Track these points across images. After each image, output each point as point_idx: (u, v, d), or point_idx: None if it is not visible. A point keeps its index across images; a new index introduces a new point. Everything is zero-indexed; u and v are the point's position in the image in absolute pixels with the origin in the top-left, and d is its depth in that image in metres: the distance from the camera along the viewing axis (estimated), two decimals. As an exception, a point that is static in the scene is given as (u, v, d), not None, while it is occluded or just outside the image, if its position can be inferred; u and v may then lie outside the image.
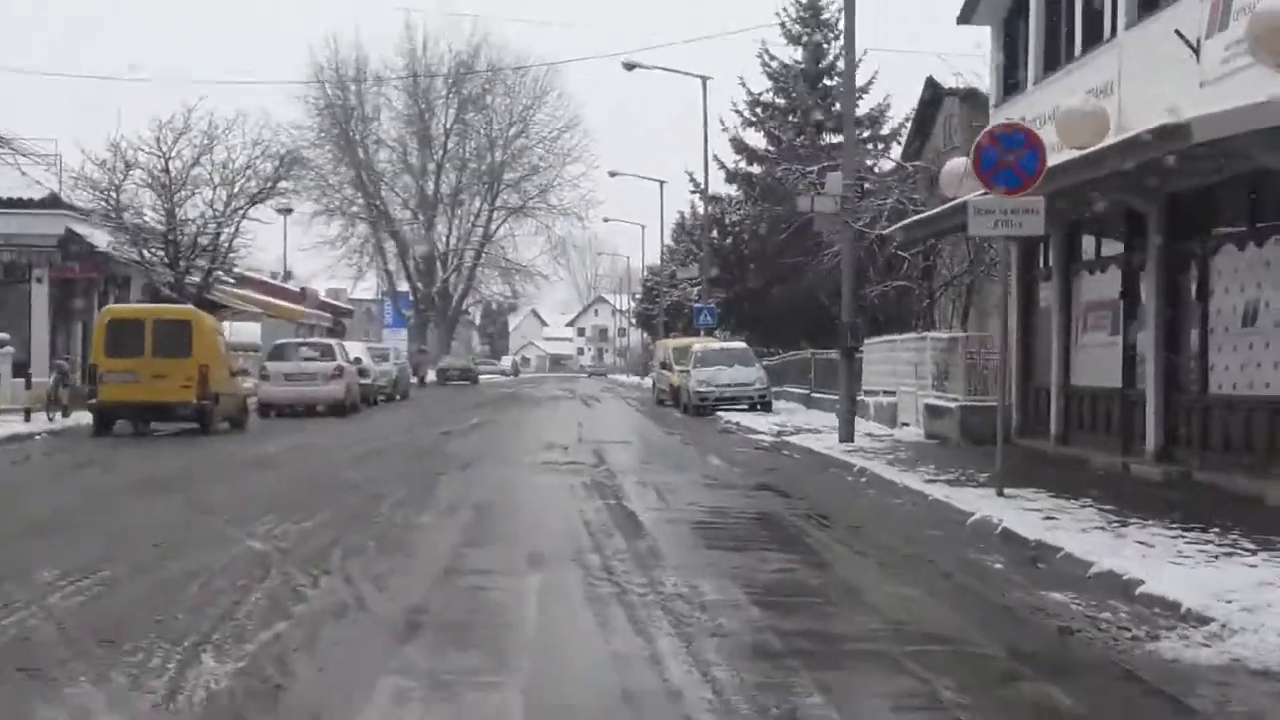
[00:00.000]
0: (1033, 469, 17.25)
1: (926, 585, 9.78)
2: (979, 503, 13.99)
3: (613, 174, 72.51)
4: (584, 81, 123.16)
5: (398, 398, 44.02)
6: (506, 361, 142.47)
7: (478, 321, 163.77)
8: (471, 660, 7.16)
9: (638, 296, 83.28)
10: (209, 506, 13.71)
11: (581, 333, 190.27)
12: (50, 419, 28.30)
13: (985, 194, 14.55)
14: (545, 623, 8.13)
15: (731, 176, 52.25)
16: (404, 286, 78.04)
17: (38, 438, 25.27)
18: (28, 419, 27.52)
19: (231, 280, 40.54)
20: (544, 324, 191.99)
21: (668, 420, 35.19)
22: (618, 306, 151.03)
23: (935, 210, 21.67)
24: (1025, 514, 13.01)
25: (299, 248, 72.10)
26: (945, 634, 8.04)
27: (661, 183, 72.45)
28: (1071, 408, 20.53)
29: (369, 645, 7.35)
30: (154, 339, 26.10)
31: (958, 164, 21.84)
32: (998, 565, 10.77)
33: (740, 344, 40.28)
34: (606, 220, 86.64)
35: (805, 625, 8.27)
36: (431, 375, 72.61)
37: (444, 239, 78.67)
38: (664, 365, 44.43)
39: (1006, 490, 14.59)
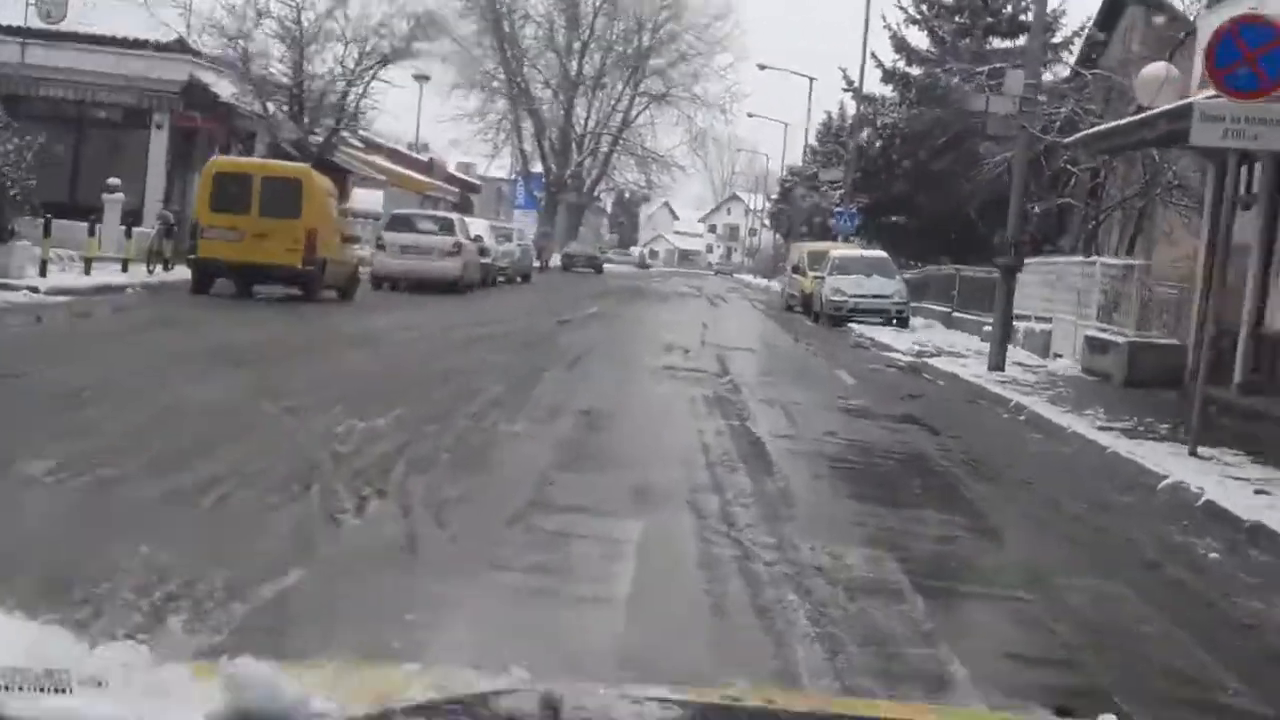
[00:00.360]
0: (1218, 422, 14.85)
1: (1132, 578, 7.63)
2: (1170, 463, 11.71)
3: (762, 67, 69.61)
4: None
5: (518, 280, 42.27)
6: (635, 252, 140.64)
7: (609, 210, 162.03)
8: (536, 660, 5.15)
9: (773, 197, 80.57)
10: (274, 388, 11.86)
11: (712, 229, 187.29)
12: (150, 271, 26.87)
13: (1215, 96, 12.10)
14: (639, 601, 6.04)
15: (888, 76, 49.34)
16: (538, 168, 75.94)
17: (130, 290, 23.79)
18: (125, 269, 26.09)
19: (358, 144, 38.77)
20: (675, 218, 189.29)
21: (797, 328, 33.00)
22: (751, 206, 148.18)
23: (1130, 119, 19.08)
24: (1230, 484, 10.76)
25: (436, 119, 70.25)
26: (1182, 667, 5.89)
27: (811, 79, 69.77)
28: (1262, 354, 18.02)
29: (397, 620, 5.30)
30: (261, 196, 24.35)
31: (1158, 69, 19.26)
32: (1213, 554, 8.56)
33: (880, 253, 37.80)
34: (750, 116, 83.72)
35: (993, 638, 6.18)
36: (556, 260, 70.94)
37: (582, 121, 76.46)
38: (796, 269, 42.13)
39: (1200, 449, 12.30)
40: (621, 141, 76.92)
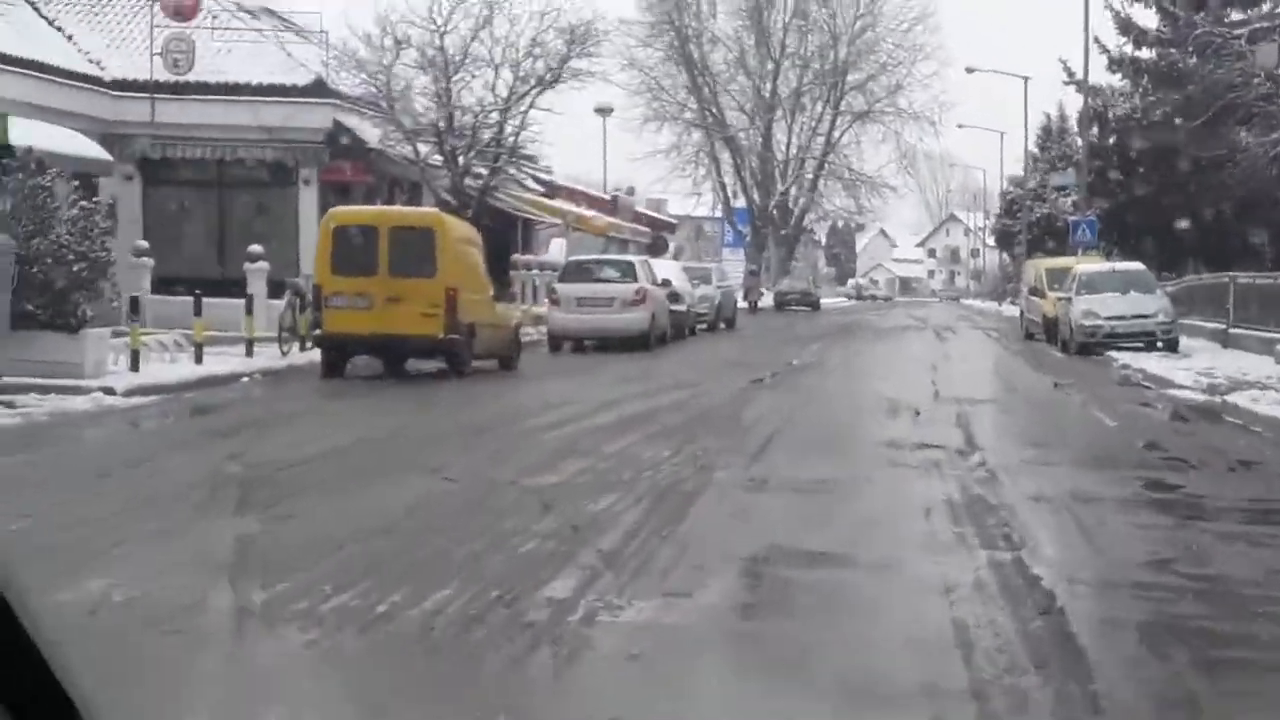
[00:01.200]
0: None
1: None
2: None
3: (970, 70, 64.17)
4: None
5: (721, 326, 37.76)
6: (851, 284, 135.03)
7: (824, 241, 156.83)
8: None
9: (995, 212, 74.61)
10: (295, 545, 7.44)
11: (932, 253, 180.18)
12: (284, 352, 23.08)
13: None
14: None
15: (1115, 63, 43.46)
16: (741, 203, 71.43)
17: (246, 380, 19.88)
18: (250, 352, 22.27)
19: (536, 186, 34.59)
20: (893, 244, 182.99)
21: (1044, 361, 27.71)
22: (971, 225, 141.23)
23: None
24: None
25: (629, 157, 66.34)
26: None
27: (1025, 79, 63.87)
28: None
29: None
30: (390, 252, 20.25)
31: None
32: None
33: (1136, 265, 32.10)
34: (961, 127, 78.04)
35: None
36: (769, 299, 66.19)
37: (783, 147, 71.76)
38: (1034, 291, 36.64)
39: None
40: (827, 165, 71.90)
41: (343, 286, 20.15)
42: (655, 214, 44.17)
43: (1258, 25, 36.08)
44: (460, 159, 27.96)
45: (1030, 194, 63.08)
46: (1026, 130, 63.78)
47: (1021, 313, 39.68)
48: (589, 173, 46.84)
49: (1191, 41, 40.04)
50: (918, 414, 15.68)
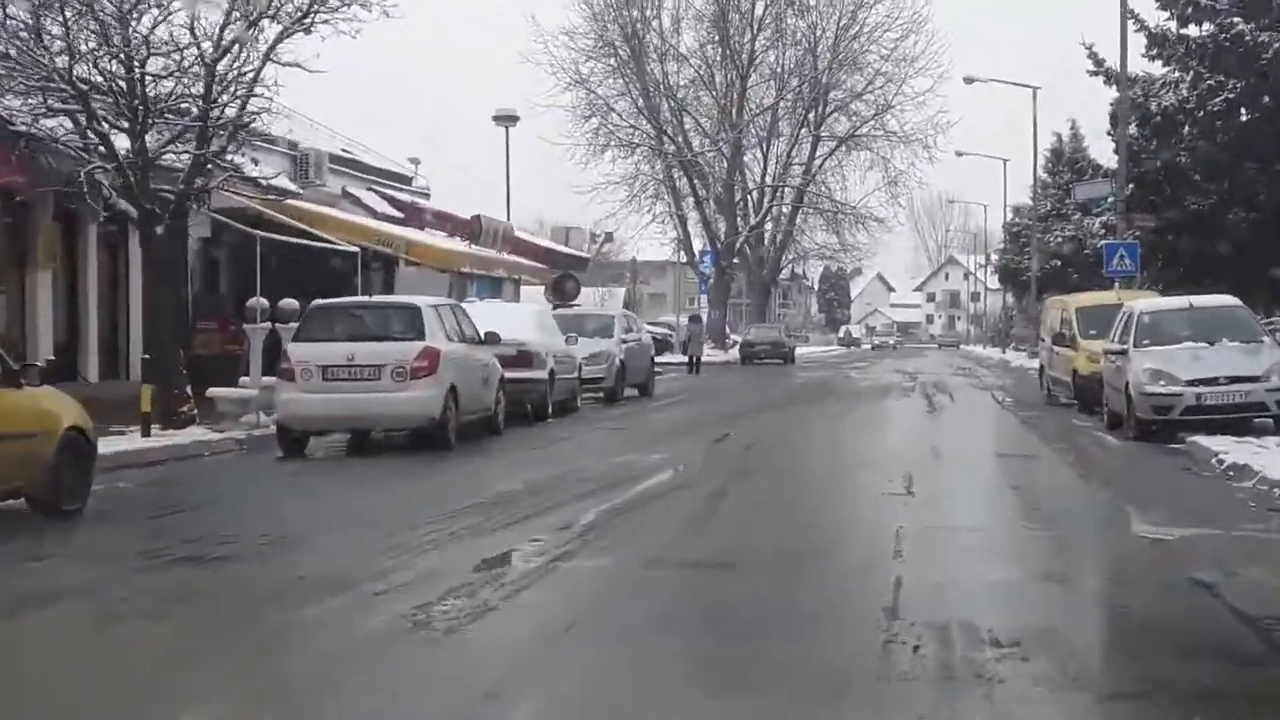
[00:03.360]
0: None
1: None
2: None
3: (969, 80, 53.14)
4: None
5: (631, 393, 26.62)
6: (843, 331, 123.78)
7: (815, 286, 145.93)
8: None
9: (1000, 246, 63.47)
10: None
11: (931, 298, 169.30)
12: None
13: None
14: None
15: (1157, 42, 32.41)
16: (701, 242, 60.27)
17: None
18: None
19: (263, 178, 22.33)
20: (890, 288, 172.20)
21: (1089, 455, 16.77)
22: (970, 267, 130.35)
23: None
24: None
25: (574, 189, 55.13)
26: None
27: (1034, 89, 52.95)
28: None
29: None
30: None
31: None
32: None
33: (1227, 300, 20.72)
34: (960, 155, 66.97)
35: None
36: (728, 353, 55.04)
37: (755, 177, 60.73)
38: (1060, 339, 25.60)
39: None
40: (806, 196, 60.70)
41: None
42: (561, 247, 33.11)
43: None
44: (147, 138, 16.72)
45: (1041, 222, 52.13)
46: (1036, 146, 52.88)
47: (1041, 368, 28.44)
48: (545, 211, 35.58)
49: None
50: (891, 625, 4.67)
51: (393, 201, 29.85)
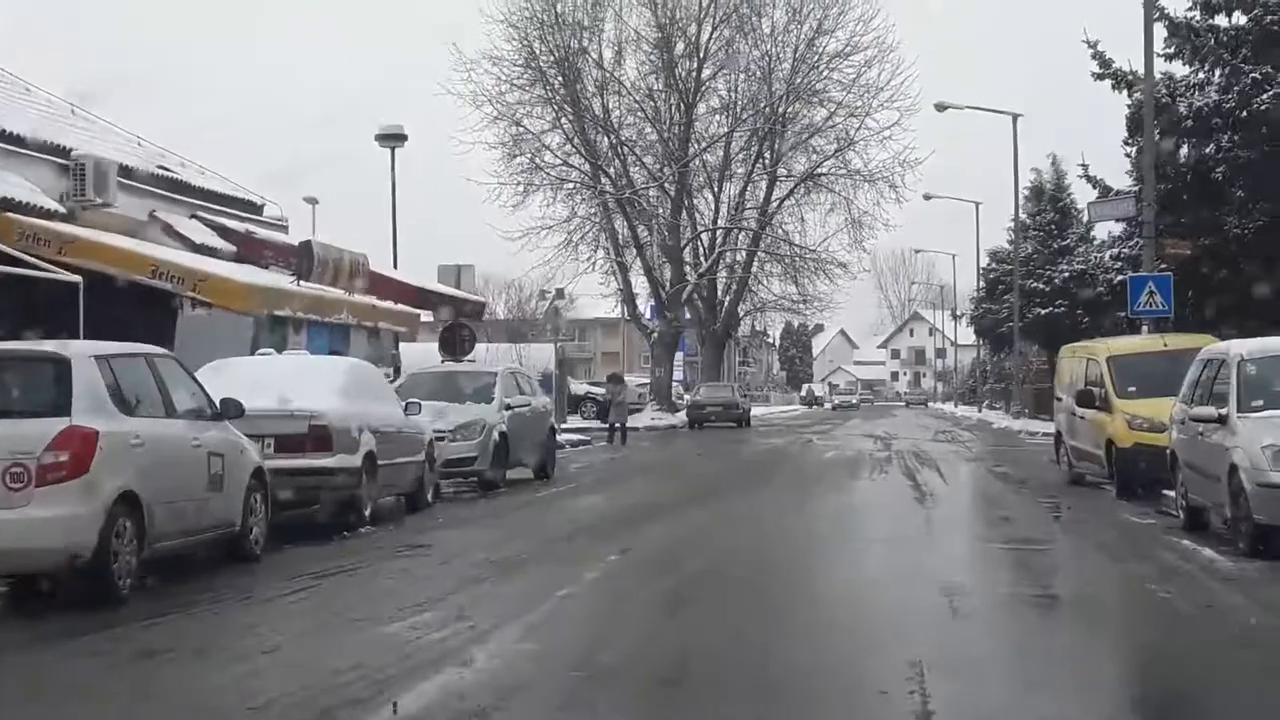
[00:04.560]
0: None
1: None
2: None
3: (941, 107, 46.66)
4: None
5: (504, 480, 19.46)
6: (806, 389, 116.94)
7: (776, 343, 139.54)
8: None
9: (975, 294, 56.70)
10: None
11: (895, 355, 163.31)
12: None
13: None
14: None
15: (1178, 34, 25.83)
16: (642, 291, 53.27)
17: None
18: None
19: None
20: (853, 345, 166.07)
21: (1194, 583, 9.92)
22: (936, 324, 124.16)
23: None
24: None
25: (503, 235, 47.93)
26: None
27: (1015, 116, 46.61)
28: None
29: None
30: None
31: None
32: None
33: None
34: (929, 198, 60.39)
35: None
36: (668, 417, 48.13)
37: (706, 219, 53.79)
38: (1087, 399, 18.79)
39: None
40: (762, 238, 53.84)
41: None
42: (448, 289, 25.84)
43: None
44: None
45: (1023, 265, 45.51)
46: (1017, 179, 46.51)
47: (1058, 436, 21.43)
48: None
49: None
50: None
51: (222, 231, 22.83)
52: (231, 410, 11.43)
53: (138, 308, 17.83)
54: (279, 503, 13.01)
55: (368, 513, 14.24)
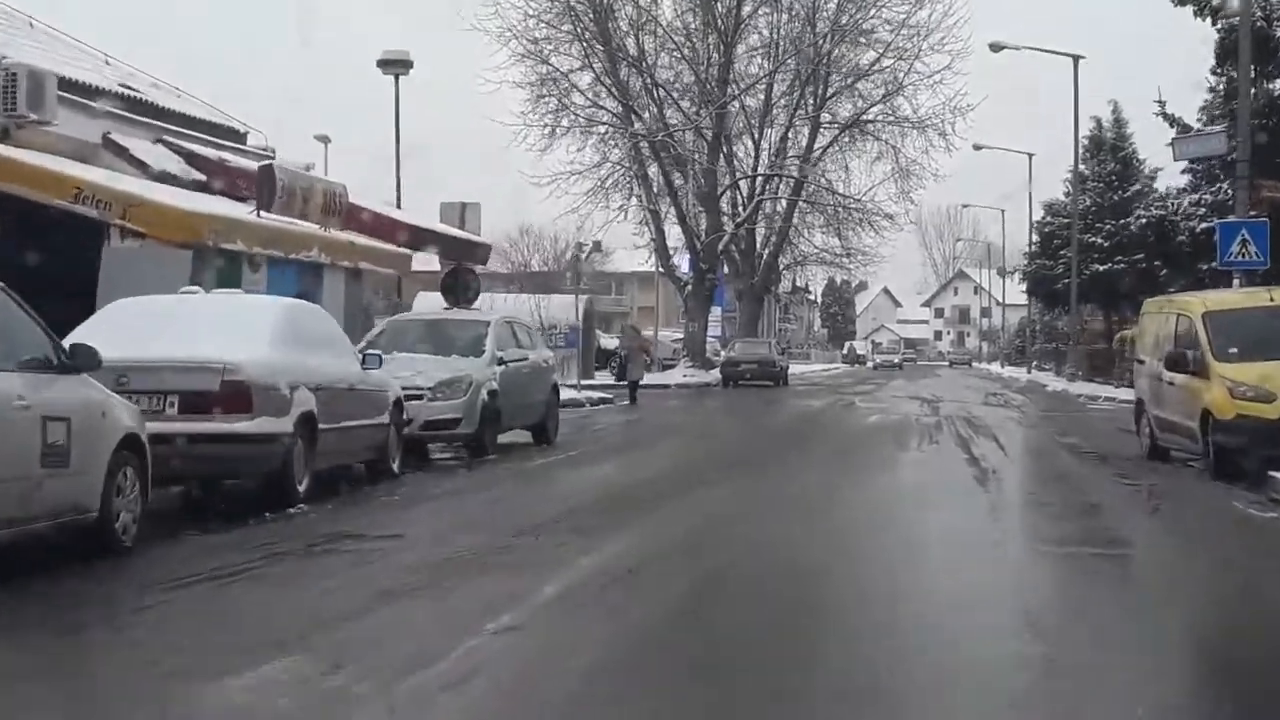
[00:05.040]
0: None
1: None
2: None
3: (996, 47, 43.29)
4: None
5: (494, 445, 16.62)
6: (848, 347, 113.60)
7: (819, 300, 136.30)
8: None
9: (1030, 249, 53.37)
10: None
11: (939, 314, 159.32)
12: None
13: None
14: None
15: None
16: (675, 240, 50.10)
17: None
18: None
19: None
20: (897, 304, 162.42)
21: None
22: (981, 282, 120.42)
23: None
24: None
25: (530, 180, 45.25)
26: None
27: (1076, 59, 43.26)
28: None
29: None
30: None
31: None
32: None
33: None
34: (979, 148, 57.05)
35: None
36: (709, 373, 45.32)
37: (744, 167, 50.72)
38: (1178, 363, 15.81)
39: None
40: (804, 190, 50.72)
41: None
42: (450, 229, 22.68)
43: None
44: None
45: (1084, 216, 42.36)
46: (1077, 125, 43.20)
47: (1140, 405, 18.37)
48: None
49: None
50: None
51: (190, 158, 20.03)
52: (84, 360, 8.62)
53: (65, 238, 15.14)
54: (177, 478, 10.29)
55: (303, 488, 11.46)
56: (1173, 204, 29.88)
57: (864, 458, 17.58)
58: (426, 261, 24.69)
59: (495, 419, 16.59)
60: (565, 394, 31.44)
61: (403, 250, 20.35)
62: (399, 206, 26.95)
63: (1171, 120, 25.42)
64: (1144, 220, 32.06)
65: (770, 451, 18.77)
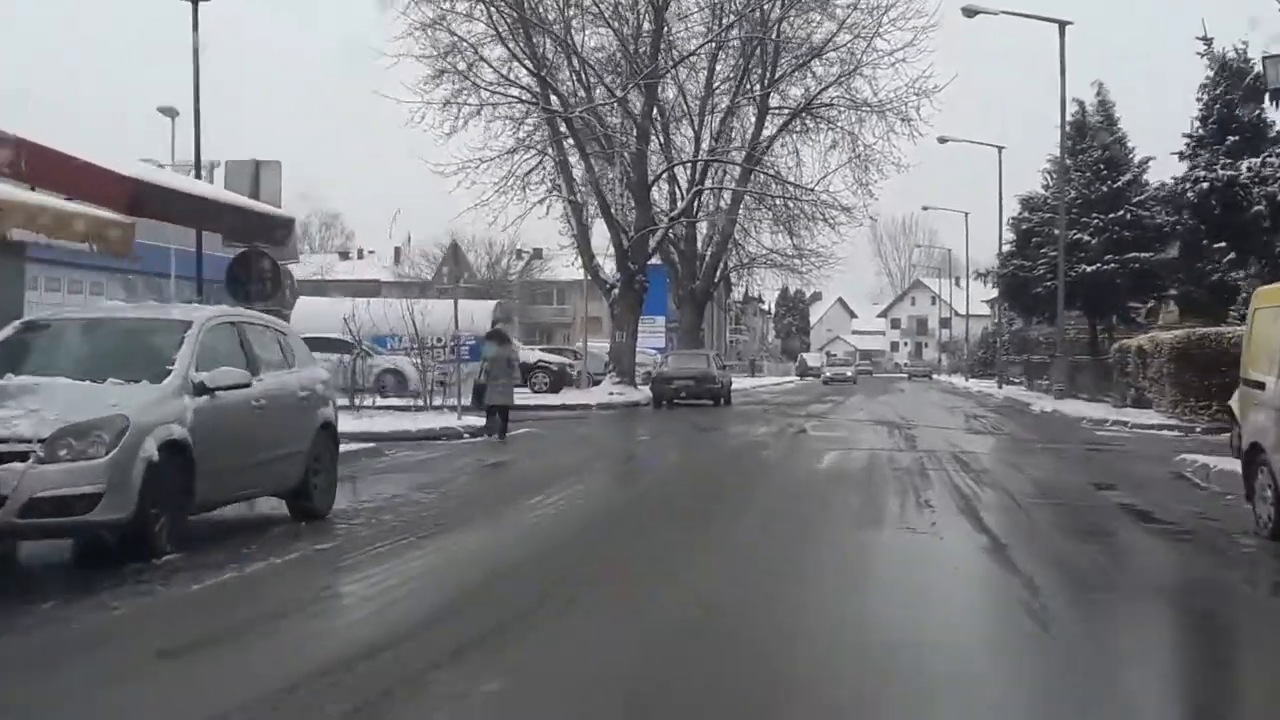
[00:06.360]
0: None
1: None
2: None
3: (970, 12, 36.45)
4: None
5: (169, 545, 9.45)
6: (801, 359, 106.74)
7: (771, 310, 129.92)
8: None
9: (1006, 246, 46.42)
10: None
11: (896, 324, 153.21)
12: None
13: None
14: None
15: None
16: (598, 238, 42.90)
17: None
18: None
19: None
20: (852, 314, 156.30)
21: None
22: (939, 292, 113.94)
23: None
24: None
25: (433, 168, 37.94)
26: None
27: (1063, 25, 36.50)
28: None
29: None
30: None
31: None
32: None
33: None
34: (943, 141, 50.64)
35: None
36: (639, 391, 38.39)
37: (685, 153, 43.62)
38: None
39: None
40: (751, 181, 43.74)
41: None
42: (236, 198, 16.26)
43: None
44: None
45: (1068, 211, 35.69)
46: (1064, 97, 36.54)
47: (1255, 450, 11.36)
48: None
49: None
50: None
51: None
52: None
53: None
54: None
55: None
56: (1248, 165, 22.34)
57: (813, 554, 10.34)
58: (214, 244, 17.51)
59: (179, 492, 9.37)
60: (441, 421, 24.30)
61: (127, 220, 13.21)
62: (199, 176, 19.79)
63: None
64: (1205, 186, 24.96)
65: (660, 539, 11.39)
